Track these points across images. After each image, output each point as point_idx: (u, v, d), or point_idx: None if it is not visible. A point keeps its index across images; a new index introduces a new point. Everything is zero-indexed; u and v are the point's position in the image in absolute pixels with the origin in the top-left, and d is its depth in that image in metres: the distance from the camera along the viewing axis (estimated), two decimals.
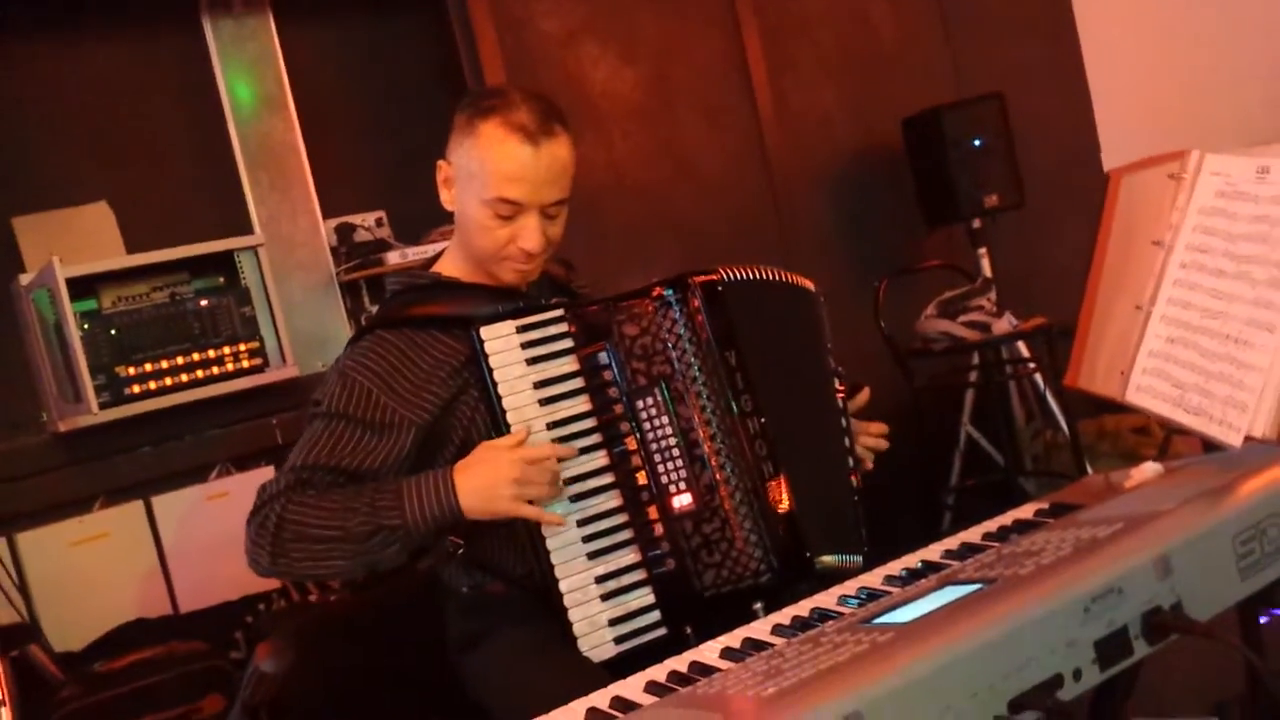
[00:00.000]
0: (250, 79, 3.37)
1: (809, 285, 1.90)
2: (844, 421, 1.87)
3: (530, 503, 1.65)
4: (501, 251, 1.79)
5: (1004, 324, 3.59)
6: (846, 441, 1.87)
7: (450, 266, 1.88)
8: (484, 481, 1.64)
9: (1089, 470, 3.81)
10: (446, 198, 1.83)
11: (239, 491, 3.10)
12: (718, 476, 1.72)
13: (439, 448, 1.77)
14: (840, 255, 4.15)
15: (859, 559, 1.77)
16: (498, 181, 1.74)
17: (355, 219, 3.45)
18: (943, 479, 4.07)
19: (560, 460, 1.68)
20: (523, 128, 1.73)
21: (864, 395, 1.97)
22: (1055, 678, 1.19)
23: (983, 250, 4.11)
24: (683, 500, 1.72)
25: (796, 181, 4.07)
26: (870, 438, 1.94)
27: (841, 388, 1.90)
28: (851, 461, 1.86)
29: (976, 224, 4.04)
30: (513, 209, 1.76)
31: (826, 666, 1.14)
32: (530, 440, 1.67)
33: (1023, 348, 4.05)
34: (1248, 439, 1.45)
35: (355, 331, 1.81)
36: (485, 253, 1.80)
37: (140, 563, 2.97)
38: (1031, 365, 4.06)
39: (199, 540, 3.04)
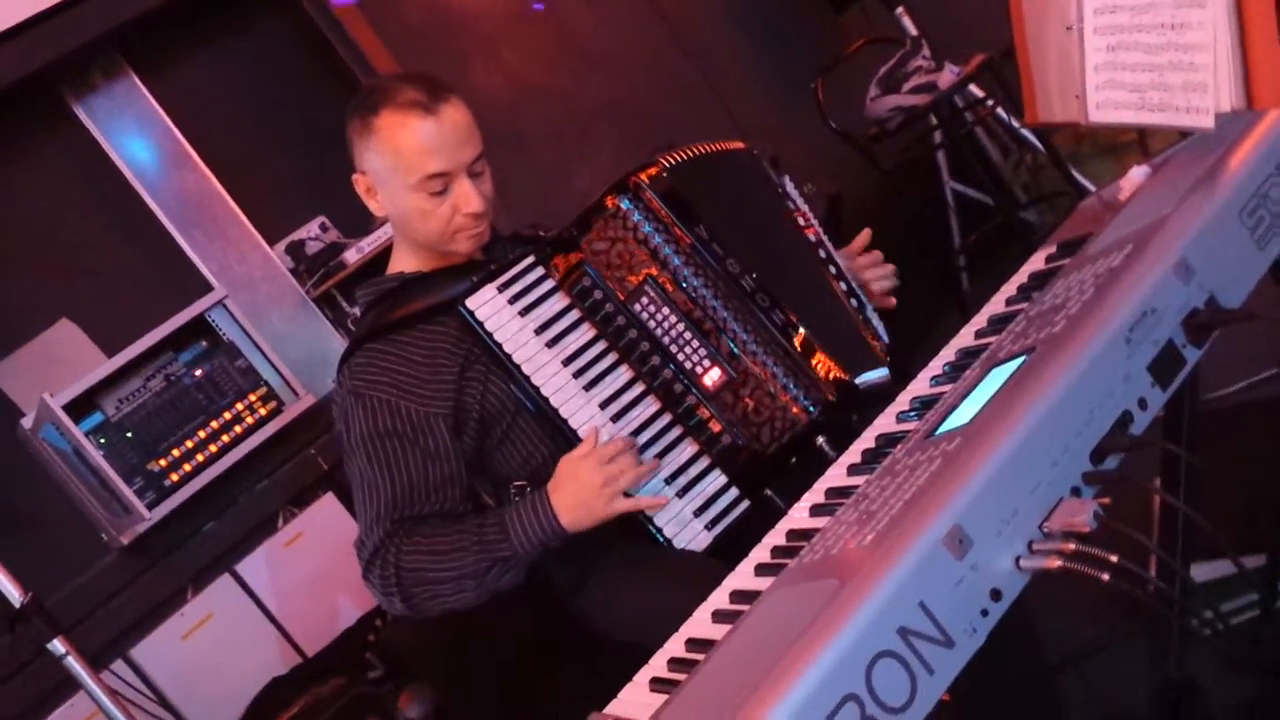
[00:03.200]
0: (143, 142, 3.31)
1: (739, 145, 1.94)
2: (822, 251, 1.89)
3: (627, 494, 1.69)
4: (450, 226, 1.80)
5: (947, 75, 3.54)
6: (832, 268, 1.89)
7: (409, 265, 1.88)
8: (577, 497, 1.68)
9: (1077, 177, 3.80)
10: (375, 206, 1.84)
11: (310, 527, 3.16)
12: (735, 342, 1.76)
13: (463, 428, 1.79)
14: (769, 75, 4.08)
15: (886, 371, 1.81)
16: (417, 161, 1.74)
17: (300, 234, 3.42)
18: (946, 246, 4.08)
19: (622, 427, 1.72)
20: (415, 103, 1.75)
21: (864, 235, 2.00)
22: (1123, 416, 1.22)
23: (899, 10, 4.03)
24: (713, 376, 1.75)
25: (700, 26, 4.00)
26: (868, 271, 1.95)
27: (809, 222, 1.91)
28: (844, 285, 1.88)
29: None
30: (442, 181, 1.76)
31: (911, 495, 1.17)
32: (600, 438, 1.70)
33: (975, 90, 4.00)
34: (1218, 116, 1.44)
35: (344, 353, 1.82)
36: (435, 235, 1.80)
37: (252, 629, 3.04)
38: (989, 103, 4.01)
39: (295, 585, 3.10)
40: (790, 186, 1.97)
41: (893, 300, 1.97)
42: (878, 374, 1.79)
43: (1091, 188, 3.63)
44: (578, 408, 1.73)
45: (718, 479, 1.75)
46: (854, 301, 1.87)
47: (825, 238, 1.92)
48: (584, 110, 3.74)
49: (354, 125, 1.80)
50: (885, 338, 1.85)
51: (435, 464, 1.73)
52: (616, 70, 3.82)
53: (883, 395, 1.68)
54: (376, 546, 1.69)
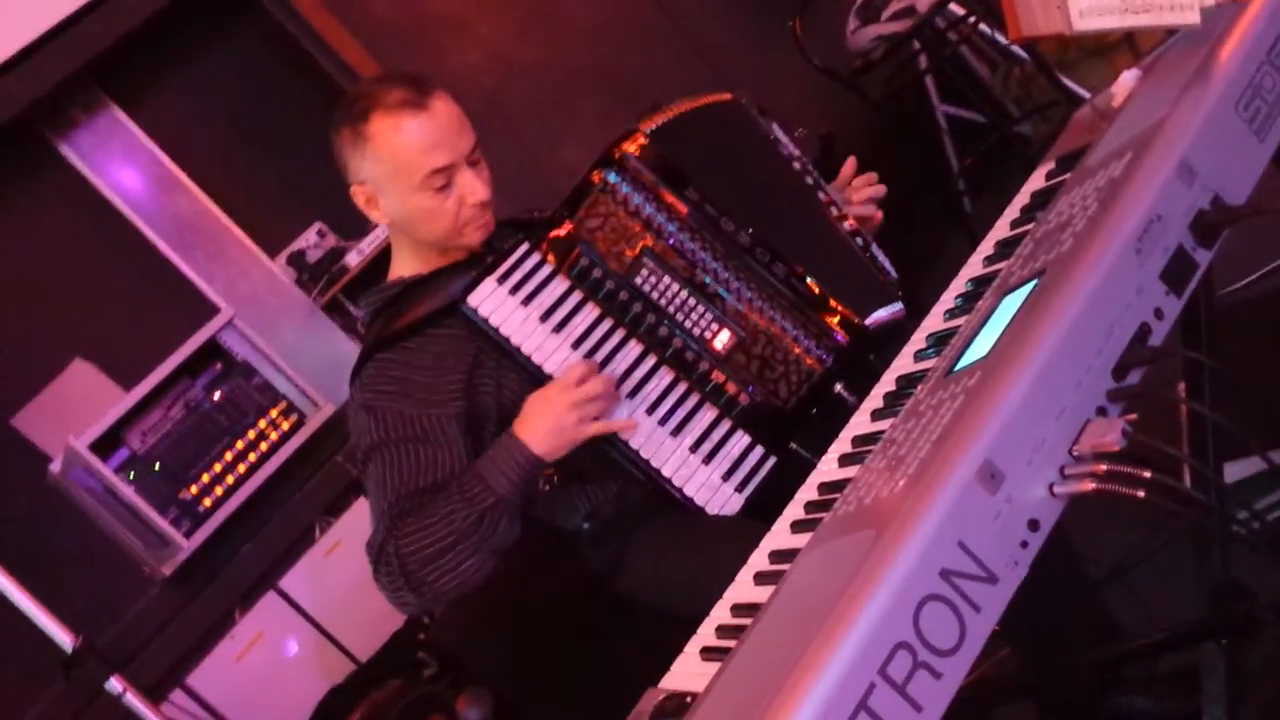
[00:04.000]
0: (131, 171, 3.30)
1: (725, 97, 1.89)
2: (821, 194, 1.87)
3: (596, 420, 1.68)
4: (459, 221, 1.77)
5: None
6: (834, 210, 1.86)
7: (409, 268, 1.86)
8: (546, 424, 1.67)
9: (1069, 85, 3.74)
10: (377, 215, 1.81)
11: (348, 534, 3.18)
12: (740, 301, 1.75)
13: (483, 425, 1.79)
14: (746, 21, 4.03)
15: (900, 305, 1.79)
16: (419, 160, 1.72)
17: (299, 243, 3.42)
18: (945, 171, 4.03)
19: (604, 367, 1.70)
20: (405, 102, 1.71)
21: (850, 164, 1.96)
22: (1141, 328, 1.21)
23: None
24: (723, 339, 1.74)
25: None
26: (861, 193, 1.92)
27: (804, 166, 1.88)
28: (848, 225, 1.86)
29: None
30: (445, 175, 1.74)
31: (937, 435, 1.16)
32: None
33: (955, 8, 3.93)
34: (1203, 10, 1.41)
35: (355, 367, 1.81)
36: (444, 232, 1.78)
37: (303, 642, 3.07)
38: (971, 19, 3.95)
39: (340, 593, 3.13)
40: (779, 132, 1.94)
41: (879, 215, 1.95)
42: (890, 309, 1.78)
43: (1084, 94, 3.57)
44: None
45: (741, 440, 1.75)
46: (859, 240, 1.85)
47: (821, 180, 1.89)
48: (565, 81, 3.71)
49: (344, 136, 1.76)
50: (893, 273, 1.83)
51: (441, 464, 1.71)
52: (593, 35, 3.79)
53: (898, 331, 1.67)
54: (380, 545, 1.67)
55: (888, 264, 1.84)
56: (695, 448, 1.73)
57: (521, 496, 1.71)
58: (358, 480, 3.22)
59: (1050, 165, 1.67)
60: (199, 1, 3.38)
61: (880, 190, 1.95)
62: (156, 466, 2.96)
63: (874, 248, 1.86)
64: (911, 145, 3.77)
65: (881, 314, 1.77)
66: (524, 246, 1.74)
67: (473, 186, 1.75)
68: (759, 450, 1.74)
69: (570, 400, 1.66)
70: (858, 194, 1.93)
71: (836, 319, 1.75)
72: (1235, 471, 1.85)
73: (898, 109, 3.83)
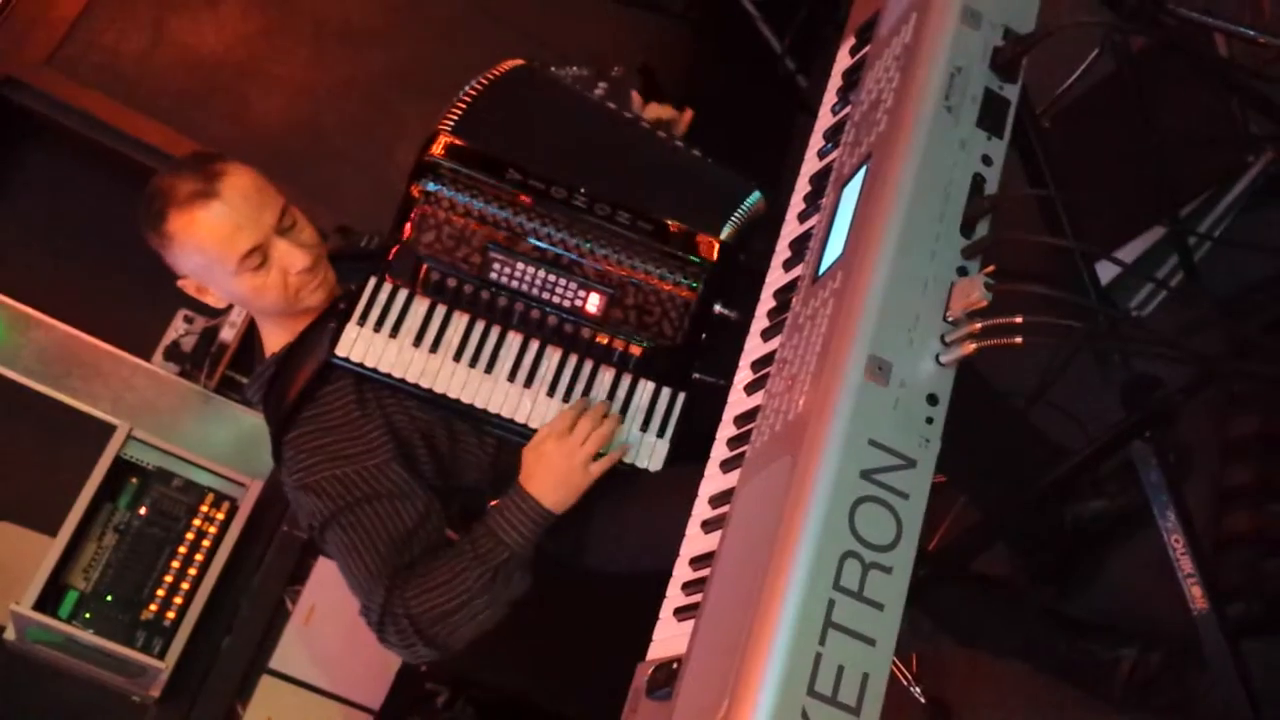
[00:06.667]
0: None
1: (516, 63, 1.86)
2: (639, 122, 1.87)
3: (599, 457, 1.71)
4: (288, 290, 1.74)
5: None
6: (662, 133, 1.88)
7: (274, 341, 1.83)
8: (553, 478, 1.69)
9: None
10: (213, 300, 1.77)
11: (319, 597, 3.15)
12: (595, 259, 1.73)
13: (414, 455, 1.78)
14: None
15: (757, 195, 1.80)
16: (224, 250, 1.68)
17: (170, 336, 3.34)
18: (769, 56, 4.04)
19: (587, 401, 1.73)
20: (194, 194, 1.67)
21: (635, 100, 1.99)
22: (975, 180, 1.24)
23: None
24: (594, 302, 1.75)
25: None
26: (649, 109, 1.96)
27: (617, 105, 1.89)
28: (678, 143, 1.87)
29: None
30: (259, 254, 1.70)
31: (820, 344, 1.19)
32: (546, 414, 1.71)
33: None
34: None
35: (273, 454, 1.79)
36: (281, 302, 1.75)
37: (314, 713, 3.06)
38: None
39: (331, 654, 3.12)
40: (583, 72, 1.94)
41: (682, 122, 1.98)
42: (750, 202, 1.78)
43: None
44: (490, 392, 1.73)
45: (646, 389, 1.77)
46: (696, 152, 1.86)
47: (640, 111, 1.90)
48: (375, 89, 3.64)
49: (151, 236, 1.72)
50: (736, 173, 1.84)
51: (405, 506, 1.72)
52: (386, 35, 3.71)
53: (766, 222, 1.68)
54: (382, 607, 1.68)
55: (728, 170, 1.85)
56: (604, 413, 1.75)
57: (533, 549, 1.73)
58: (310, 543, 3.20)
59: (851, 41, 1.68)
60: None
61: (669, 114, 1.98)
62: (109, 599, 2.89)
63: (710, 160, 1.86)
64: (731, 43, 3.77)
65: (742, 211, 1.76)
66: (372, 281, 1.72)
67: (291, 257, 1.72)
68: (666, 391, 1.77)
69: (568, 450, 1.68)
70: (647, 111, 1.95)
71: (693, 244, 1.74)
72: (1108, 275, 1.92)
73: (704, 13, 3.83)
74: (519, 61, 1.88)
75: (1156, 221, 1.92)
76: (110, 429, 3.15)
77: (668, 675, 1.20)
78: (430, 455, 1.79)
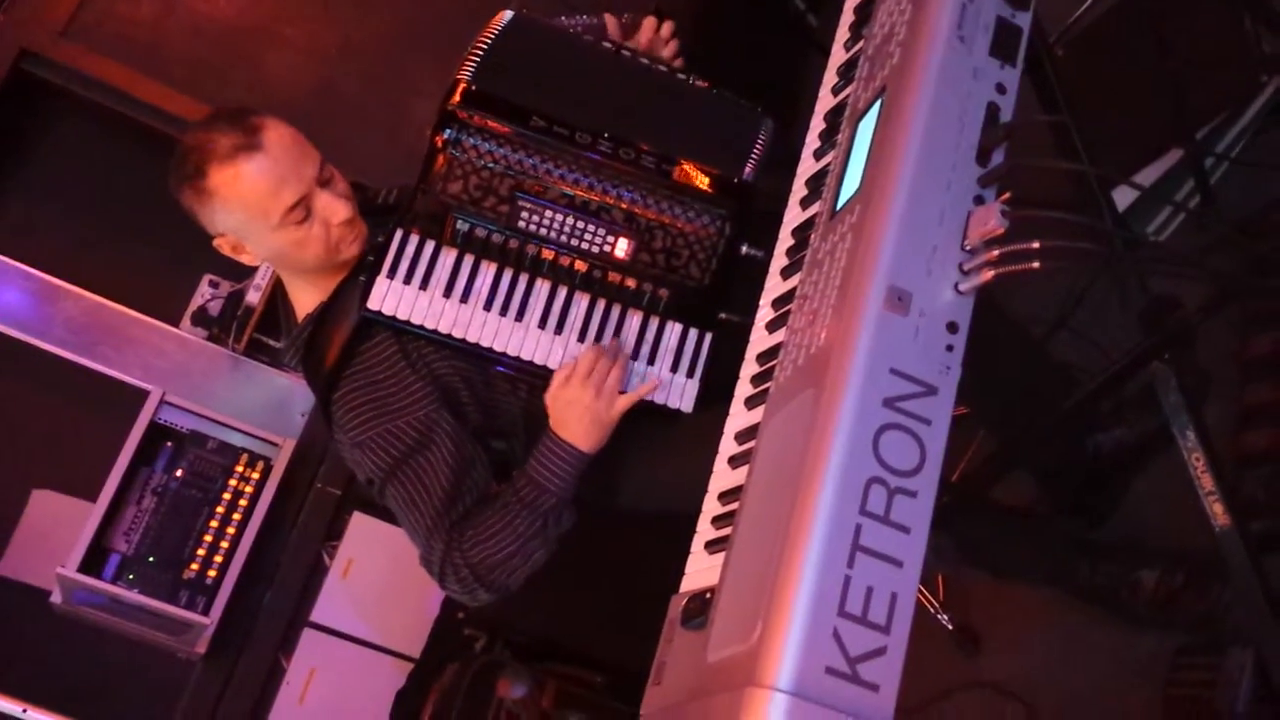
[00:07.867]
0: (10, 294, 3.24)
1: (508, 14, 1.84)
2: (647, 64, 1.88)
3: (623, 393, 1.73)
4: (329, 242, 1.75)
5: None
6: (680, 75, 1.88)
7: (307, 301, 1.86)
8: (582, 420, 1.72)
9: None
10: (248, 259, 1.78)
11: (355, 551, 3.23)
12: (623, 204, 1.75)
13: (460, 403, 1.82)
14: None
15: (768, 122, 1.82)
16: (270, 202, 1.68)
17: (196, 301, 3.38)
18: None
19: (610, 346, 1.74)
20: (237, 148, 1.66)
21: (649, 23, 1.99)
22: (990, 109, 1.25)
23: None
24: (622, 247, 1.76)
25: None
26: (660, 45, 1.96)
27: (621, 45, 1.90)
28: (685, 78, 1.87)
29: None
30: (302, 207, 1.70)
31: (840, 278, 1.21)
32: (564, 355, 1.73)
33: None
34: None
35: (323, 416, 1.83)
36: (320, 257, 1.76)
37: (356, 662, 3.14)
38: None
39: (370, 605, 3.19)
40: (589, 20, 1.95)
41: (677, 58, 1.99)
42: (763, 133, 1.79)
43: None
44: (521, 339, 1.75)
45: (674, 330, 1.79)
46: (714, 90, 1.86)
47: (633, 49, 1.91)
48: (388, 46, 3.64)
49: (186, 194, 1.71)
50: (752, 105, 1.85)
51: (456, 456, 1.75)
52: None
53: (782, 161, 1.70)
54: (443, 557, 1.73)
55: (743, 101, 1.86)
56: (635, 355, 1.78)
57: (575, 490, 1.77)
58: (344, 498, 3.27)
59: None
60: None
61: (666, 44, 1.98)
62: (151, 559, 2.97)
63: (725, 91, 1.87)
64: None
65: (757, 149, 1.77)
66: (399, 233, 1.72)
67: (333, 208, 1.72)
68: (694, 333, 1.79)
69: (592, 391, 1.70)
70: (644, 39, 1.96)
71: (717, 185, 1.75)
72: (1124, 200, 1.92)
73: None
74: (507, 14, 1.84)
75: (1173, 144, 1.92)
76: (143, 395, 3.22)
77: (702, 605, 1.24)
78: (473, 400, 1.82)
